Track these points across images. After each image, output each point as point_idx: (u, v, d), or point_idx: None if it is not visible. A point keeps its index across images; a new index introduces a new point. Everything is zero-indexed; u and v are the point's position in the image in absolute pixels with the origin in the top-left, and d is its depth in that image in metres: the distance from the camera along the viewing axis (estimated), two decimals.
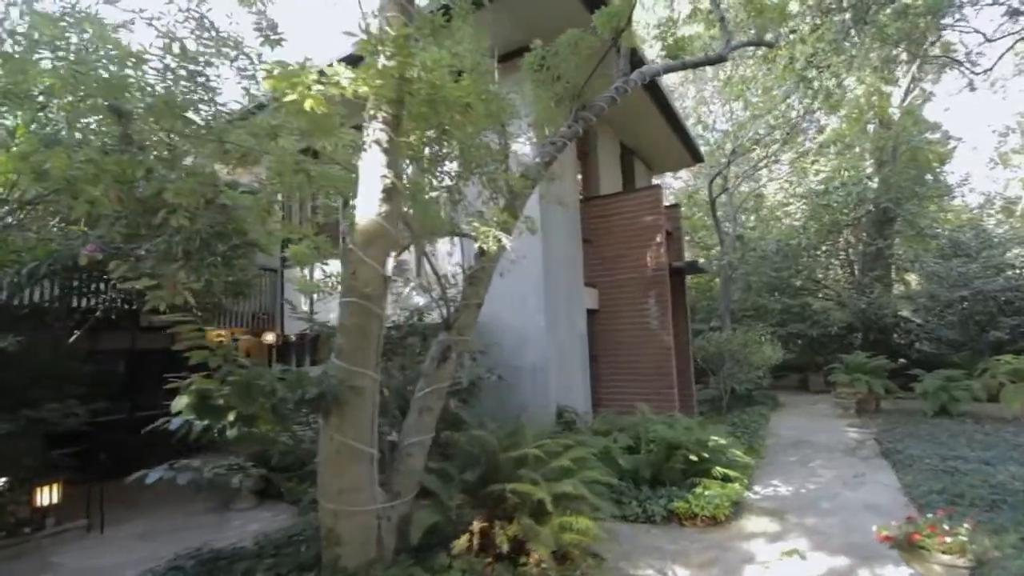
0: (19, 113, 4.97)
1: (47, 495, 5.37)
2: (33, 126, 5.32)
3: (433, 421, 4.02)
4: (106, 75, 3.09)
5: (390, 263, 3.53)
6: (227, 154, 3.73)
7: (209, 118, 3.63)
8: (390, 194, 3.46)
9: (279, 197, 5.06)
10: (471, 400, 6.06)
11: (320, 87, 2.99)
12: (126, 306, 6.52)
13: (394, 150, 3.55)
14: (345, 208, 5.14)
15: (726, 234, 15.94)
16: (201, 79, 3.49)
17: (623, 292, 8.57)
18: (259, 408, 3.18)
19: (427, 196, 4.57)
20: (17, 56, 3.05)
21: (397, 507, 3.64)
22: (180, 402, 3.10)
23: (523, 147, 6.26)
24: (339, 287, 3.94)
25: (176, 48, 3.32)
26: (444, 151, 4.60)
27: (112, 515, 5.82)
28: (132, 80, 3.24)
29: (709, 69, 17.07)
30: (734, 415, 9.64)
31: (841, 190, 15.40)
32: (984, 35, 13.40)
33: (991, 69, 14.91)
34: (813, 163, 17.46)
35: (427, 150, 4.45)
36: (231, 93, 3.92)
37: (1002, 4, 11.80)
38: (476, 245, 4.00)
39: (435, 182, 4.68)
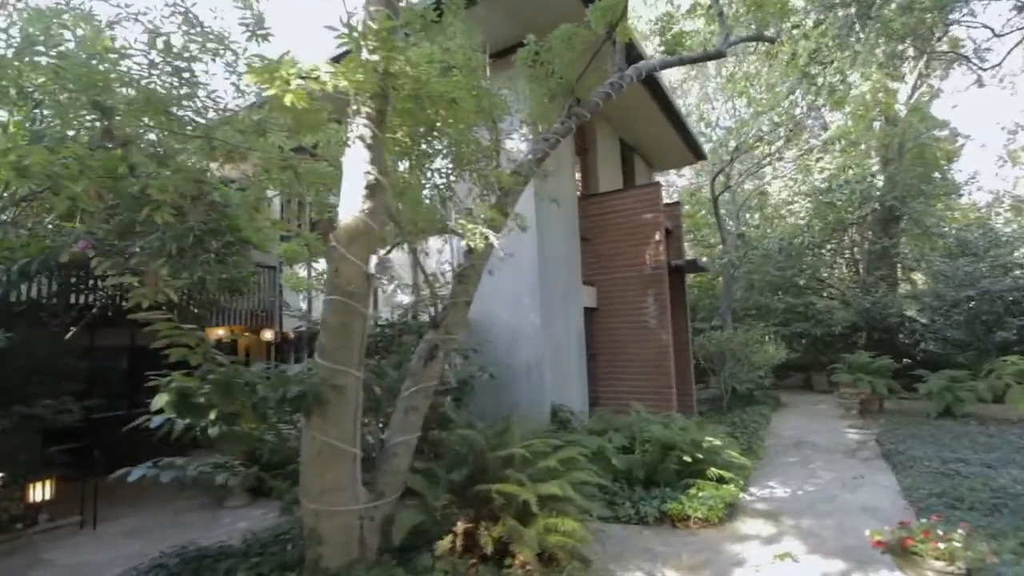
0: (11, 110, 4.96)
1: (40, 491, 5.41)
2: (28, 124, 5.32)
3: (419, 420, 3.97)
4: (86, 70, 3.06)
5: (373, 260, 3.48)
6: (214, 151, 3.70)
7: (194, 114, 3.60)
8: (373, 191, 3.42)
9: (269, 194, 5.04)
10: (464, 399, 6.02)
11: (300, 81, 2.94)
12: (124, 303, 6.52)
13: (378, 146, 3.51)
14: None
15: (728, 232, 15.80)
16: (186, 75, 3.46)
17: (622, 290, 8.49)
18: (240, 406, 3.16)
19: (417, 193, 4.54)
20: (3, 54, 3.03)
21: (381, 507, 3.60)
22: (160, 400, 3.09)
23: (518, 144, 6.20)
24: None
25: (160, 43, 3.29)
26: (435, 148, 4.56)
27: (106, 511, 5.84)
28: (114, 76, 3.21)
29: (712, 66, 16.91)
30: (734, 415, 9.54)
31: (846, 188, 15.20)
32: (992, 30, 13.21)
33: (1000, 65, 14.62)
34: (818, 160, 17.24)
35: (417, 146, 4.41)
36: (223, 91, 3.90)
37: None
38: (463, 243, 3.96)
39: (425, 179, 4.64)
